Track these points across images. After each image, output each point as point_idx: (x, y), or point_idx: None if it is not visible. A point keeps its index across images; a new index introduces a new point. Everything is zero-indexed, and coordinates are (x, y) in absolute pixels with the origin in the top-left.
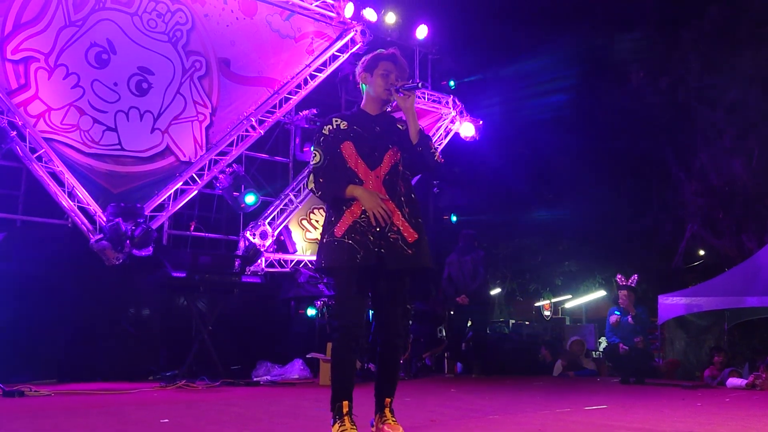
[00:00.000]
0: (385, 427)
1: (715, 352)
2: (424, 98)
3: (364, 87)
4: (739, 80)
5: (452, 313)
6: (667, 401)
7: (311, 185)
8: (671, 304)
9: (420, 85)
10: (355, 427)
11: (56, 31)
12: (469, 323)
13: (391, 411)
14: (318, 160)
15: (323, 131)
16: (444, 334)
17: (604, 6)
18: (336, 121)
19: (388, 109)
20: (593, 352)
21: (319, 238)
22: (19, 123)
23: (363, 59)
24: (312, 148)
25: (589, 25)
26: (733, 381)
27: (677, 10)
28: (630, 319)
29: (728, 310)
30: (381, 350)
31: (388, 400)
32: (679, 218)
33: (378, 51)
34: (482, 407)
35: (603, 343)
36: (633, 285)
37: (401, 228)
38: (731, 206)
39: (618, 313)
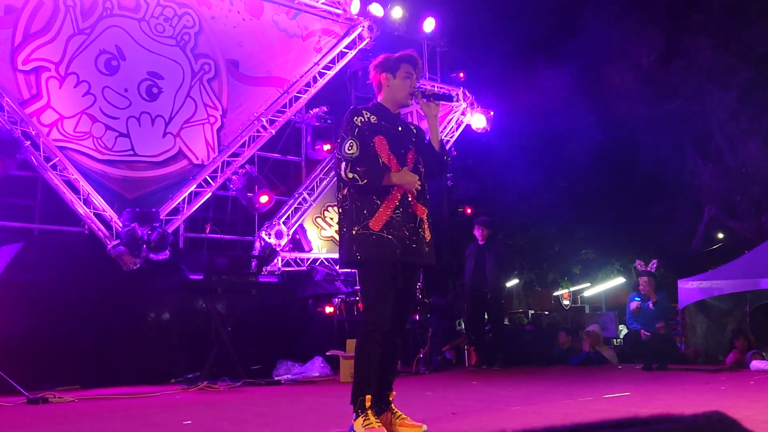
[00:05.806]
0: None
1: (735, 336)
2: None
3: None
4: (751, 60)
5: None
6: (691, 386)
7: (351, 174)
8: (691, 288)
9: (455, 98)
10: (379, 420)
11: (65, 39)
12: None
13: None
14: (355, 150)
15: (355, 122)
16: (463, 326)
17: None
18: (366, 113)
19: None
20: (614, 340)
21: (336, 232)
22: (33, 133)
23: (382, 59)
24: (346, 139)
25: (599, 9)
26: (757, 364)
27: None
28: (651, 305)
29: (749, 293)
30: (384, 346)
31: (393, 394)
32: (696, 202)
33: (399, 53)
34: (504, 398)
35: (623, 330)
36: (653, 270)
37: (426, 226)
38: (749, 188)
39: (638, 299)
